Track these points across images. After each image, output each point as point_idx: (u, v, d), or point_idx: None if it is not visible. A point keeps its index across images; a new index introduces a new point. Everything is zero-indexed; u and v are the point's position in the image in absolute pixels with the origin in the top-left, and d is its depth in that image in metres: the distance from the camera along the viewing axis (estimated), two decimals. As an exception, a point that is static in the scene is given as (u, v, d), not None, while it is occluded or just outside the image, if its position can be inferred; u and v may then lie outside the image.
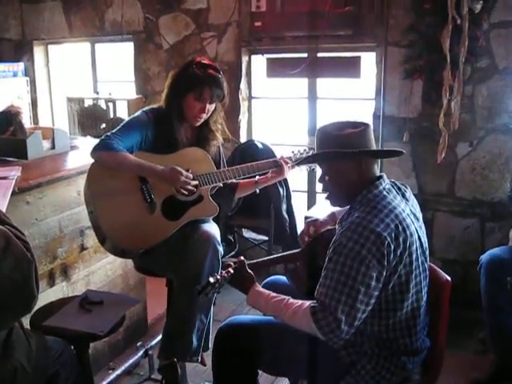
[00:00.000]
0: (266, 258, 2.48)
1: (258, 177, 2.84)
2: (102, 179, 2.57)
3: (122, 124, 2.65)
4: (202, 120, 2.70)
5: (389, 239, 1.82)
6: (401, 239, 1.86)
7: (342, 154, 1.95)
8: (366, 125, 2.02)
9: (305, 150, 2.93)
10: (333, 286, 1.82)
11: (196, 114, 2.65)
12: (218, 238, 2.62)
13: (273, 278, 2.55)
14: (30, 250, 1.74)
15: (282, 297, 1.98)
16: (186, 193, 2.59)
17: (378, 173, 2.04)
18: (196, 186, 2.63)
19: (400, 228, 1.87)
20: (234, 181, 2.82)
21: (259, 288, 2.07)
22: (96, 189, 2.57)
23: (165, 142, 2.66)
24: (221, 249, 2.61)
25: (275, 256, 2.53)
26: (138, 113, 2.72)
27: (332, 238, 1.96)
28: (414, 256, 1.92)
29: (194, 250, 2.54)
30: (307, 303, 1.89)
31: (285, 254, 2.49)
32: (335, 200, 2.11)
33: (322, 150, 2.02)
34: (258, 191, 2.91)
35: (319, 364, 2.00)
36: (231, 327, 2.19)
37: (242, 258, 2.17)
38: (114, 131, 2.59)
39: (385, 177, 2.02)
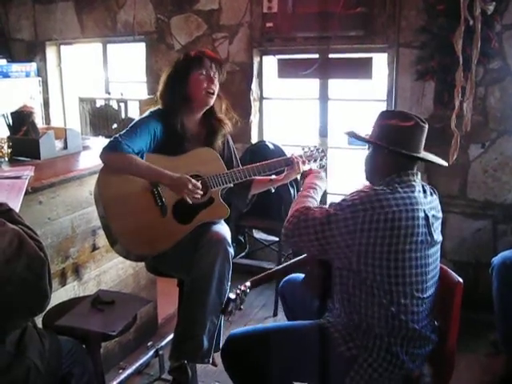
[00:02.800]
0: (271, 271, 2.45)
1: (274, 176, 2.83)
2: (113, 183, 2.56)
3: (130, 125, 2.64)
4: (214, 97, 2.69)
5: (397, 215, 1.91)
6: (409, 223, 1.93)
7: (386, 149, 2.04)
8: (417, 124, 2.07)
9: (315, 147, 2.92)
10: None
11: (206, 88, 2.66)
12: (229, 240, 2.61)
13: (292, 276, 2.54)
14: (43, 249, 1.76)
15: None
16: (190, 201, 2.57)
17: (414, 169, 2.11)
18: (205, 193, 2.63)
19: (409, 214, 1.93)
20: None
21: None
22: (106, 193, 2.57)
23: (174, 140, 2.66)
24: (231, 250, 2.59)
25: (282, 266, 2.50)
26: (146, 114, 2.72)
27: None
28: (415, 247, 1.96)
29: (204, 251, 2.53)
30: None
31: (292, 261, 2.46)
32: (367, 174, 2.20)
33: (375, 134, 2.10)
34: (273, 190, 2.89)
35: (322, 367, 2.01)
36: (236, 343, 2.18)
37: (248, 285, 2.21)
38: (122, 132, 2.58)
39: (419, 175, 2.11)
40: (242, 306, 2.11)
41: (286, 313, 2.62)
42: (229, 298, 2.02)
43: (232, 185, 2.72)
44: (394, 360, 1.98)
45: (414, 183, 2.03)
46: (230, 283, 2.61)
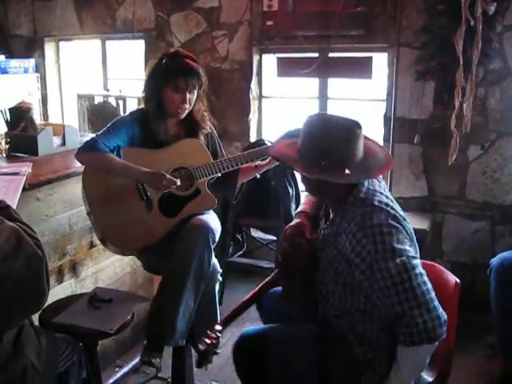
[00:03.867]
0: (239, 305, 2.24)
1: (258, 161, 2.80)
2: (97, 181, 2.56)
3: (107, 125, 2.63)
4: (186, 111, 2.65)
5: (401, 226, 1.85)
6: (406, 224, 1.89)
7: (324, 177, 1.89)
8: (353, 130, 1.90)
9: None
10: (397, 300, 1.78)
11: (177, 106, 2.61)
12: (212, 226, 2.58)
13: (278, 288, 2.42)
14: (40, 247, 1.75)
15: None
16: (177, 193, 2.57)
17: None
18: (191, 184, 2.63)
19: (399, 216, 1.89)
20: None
21: None
22: (91, 192, 2.57)
23: (152, 141, 2.63)
24: (214, 237, 2.57)
25: (250, 295, 2.28)
26: (126, 113, 2.75)
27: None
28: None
29: (184, 235, 2.52)
30: (400, 347, 1.83)
31: (259, 286, 2.29)
32: (317, 196, 2.14)
33: (304, 156, 1.94)
34: (258, 176, 2.87)
35: (334, 369, 1.96)
36: (249, 341, 2.13)
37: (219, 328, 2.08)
38: (99, 133, 2.58)
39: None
40: (217, 350, 2.05)
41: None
42: (201, 352, 1.96)
43: (219, 175, 2.69)
44: None
45: (371, 187, 1.95)
46: (211, 267, 2.60)
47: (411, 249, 1.84)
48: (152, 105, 2.63)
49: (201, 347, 1.96)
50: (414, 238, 1.95)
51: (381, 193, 1.95)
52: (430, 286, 1.80)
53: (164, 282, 2.56)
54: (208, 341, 1.99)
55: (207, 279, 2.60)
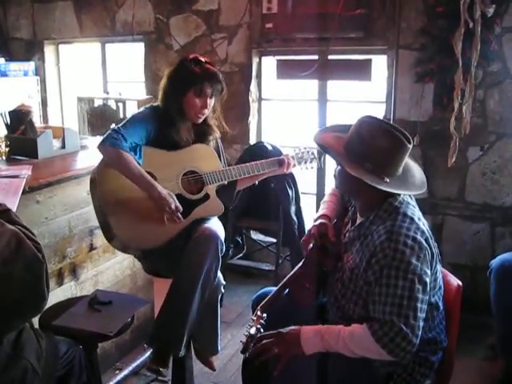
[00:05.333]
0: (274, 292, 2.24)
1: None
2: (111, 176, 2.53)
3: (126, 119, 2.62)
4: (204, 116, 2.69)
5: (427, 245, 1.85)
6: (431, 242, 1.89)
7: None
8: (403, 143, 1.92)
9: (306, 149, 2.94)
10: (390, 301, 1.79)
11: (198, 111, 2.64)
12: (221, 236, 2.60)
13: (265, 290, 2.42)
14: (41, 250, 1.74)
15: (333, 327, 1.92)
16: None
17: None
18: (201, 188, 2.66)
19: (428, 233, 1.90)
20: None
21: (306, 332, 1.93)
22: (105, 186, 2.54)
23: (166, 141, 2.64)
24: (223, 248, 2.59)
25: (282, 283, 2.29)
26: (142, 109, 2.72)
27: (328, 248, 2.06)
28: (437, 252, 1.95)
29: (195, 245, 2.53)
30: (361, 326, 1.84)
31: (290, 274, 2.28)
32: (349, 195, 2.14)
33: (351, 152, 1.96)
34: (256, 183, 2.91)
35: (355, 382, 1.95)
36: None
37: (262, 314, 2.05)
38: (119, 125, 2.55)
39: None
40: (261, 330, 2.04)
41: None
42: (251, 336, 1.95)
43: (226, 182, 2.74)
44: (424, 370, 1.96)
45: (406, 198, 1.99)
46: (217, 279, 2.64)
47: (428, 270, 1.83)
48: (173, 108, 2.64)
49: (253, 331, 1.93)
50: (437, 257, 1.94)
51: (414, 206, 1.99)
52: (423, 315, 1.82)
53: (173, 292, 2.56)
54: (257, 323, 1.98)
55: (211, 290, 2.62)
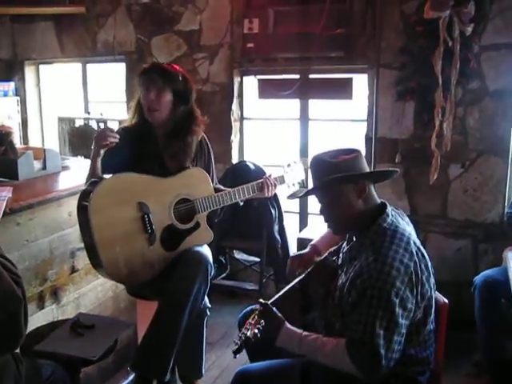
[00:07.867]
0: (284, 290, 2.22)
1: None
2: (104, 208, 2.46)
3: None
4: (157, 113, 2.68)
5: (416, 268, 1.85)
6: (423, 265, 1.89)
7: (344, 179, 1.93)
8: (358, 151, 2.02)
9: (288, 165, 2.97)
10: (371, 321, 1.79)
11: (145, 105, 2.68)
12: (210, 259, 2.60)
13: (252, 307, 2.30)
14: (21, 285, 1.61)
15: (315, 335, 1.95)
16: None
17: (378, 199, 2.04)
18: (192, 217, 2.65)
19: (420, 254, 1.90)
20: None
21: (290, 327, 1.99)
22: (97, 219, 2.43)
23: (145, 156, 2.67)
24: (212, 271, 2.58)
25: (292, 284, 2.26)
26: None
27: (331, 266, 2.08)
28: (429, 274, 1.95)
29: (184, 269, 2.51)
30: (343, 340, 1.85)
31: (300, 278, 2.26)
32: (340, 228, 2.12)
33: (319, 178, 2.00)
34: (241, 203, 2.87)
35: None
36: (245, 378, 2.09)
37: (263, 301, 2.07)
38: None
39: (387, 202, 2.04)
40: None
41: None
42: (247, 338, 1.89)
43: (219, 208, 2.73)
44: None
45: (395, 220, 1.99)
46: (203, 303, 2.64)
47: (410, 295, 1.83)
48: (138, 116, 2.74)
49: (249, 334, 1.90)
50: (430, 271, 1.94)
51: (407, 223, 2.03)
52: (401, 338, 1.83)
53: (160, 317, 2.52)
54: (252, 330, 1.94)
55: (198, 314, 2.60)
